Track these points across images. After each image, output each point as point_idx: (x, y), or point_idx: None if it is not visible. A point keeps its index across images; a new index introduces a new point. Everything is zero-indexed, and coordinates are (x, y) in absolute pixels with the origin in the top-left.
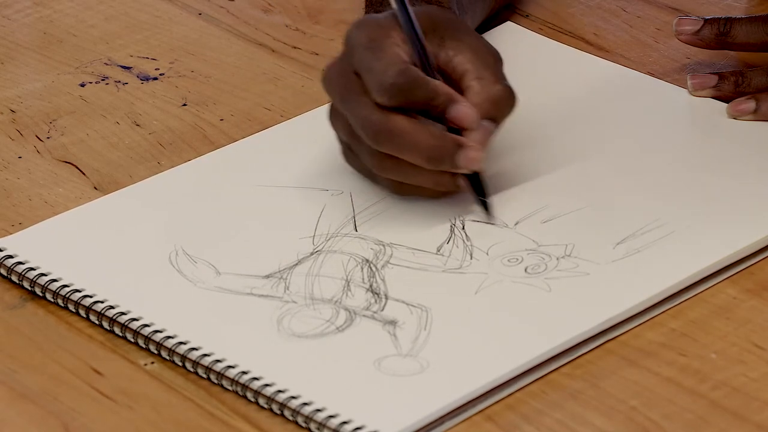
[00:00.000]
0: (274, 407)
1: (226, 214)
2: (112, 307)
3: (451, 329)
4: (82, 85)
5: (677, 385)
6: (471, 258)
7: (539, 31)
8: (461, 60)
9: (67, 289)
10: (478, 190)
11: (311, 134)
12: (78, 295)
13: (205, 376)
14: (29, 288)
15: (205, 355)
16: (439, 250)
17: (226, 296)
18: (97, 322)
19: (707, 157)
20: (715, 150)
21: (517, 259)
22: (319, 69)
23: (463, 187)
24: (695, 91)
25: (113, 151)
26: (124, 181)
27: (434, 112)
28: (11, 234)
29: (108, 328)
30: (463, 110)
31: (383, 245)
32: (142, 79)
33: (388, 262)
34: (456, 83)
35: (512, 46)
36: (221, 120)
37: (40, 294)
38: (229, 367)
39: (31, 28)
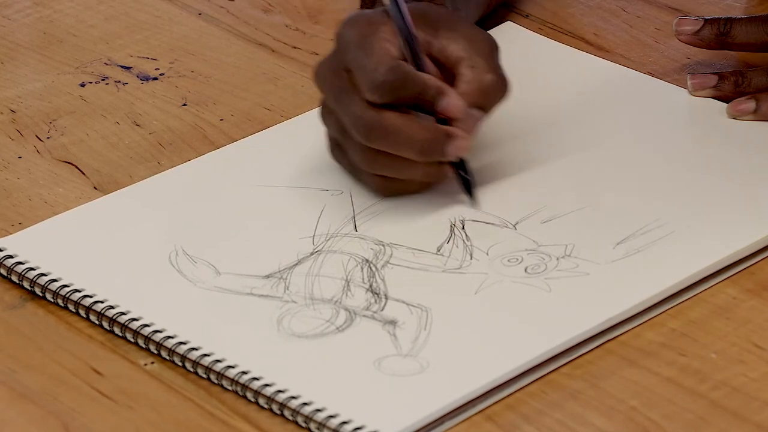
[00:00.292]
0: (274, 407)
1: (226, 214)
2: (112, 307)
3: (451, 329)
4: (82, 85)
5: (677, 385)
6: (471, 258)
7: (539, 31)
8: (455, 48)
9: (67, 289)
10: (464, 176)
11: (311, 134)
12: (78, 295)
13: (205, 376)
14: (29, 288)
15: (205, 355)
16: (439, 250)
17: (226, 296)
18: (97, 322)
19: (707, 157)
20: (715, 150)
21: (517, 259)
22: None
23: (450, 176)
24: (695, 91)
25: (113, 151)
26: (124, 181)
27: (425, 106)
28: (11, 234)
29: (108, 328)
30: (452, 102)
31: (383, 245)
32: (142, 79)
33: (388, 262)
34: (450, 72)
35: (512, 45)
36: (221, 120)
37: (40, 294)
38: (229, 367)
39: (31, 28)
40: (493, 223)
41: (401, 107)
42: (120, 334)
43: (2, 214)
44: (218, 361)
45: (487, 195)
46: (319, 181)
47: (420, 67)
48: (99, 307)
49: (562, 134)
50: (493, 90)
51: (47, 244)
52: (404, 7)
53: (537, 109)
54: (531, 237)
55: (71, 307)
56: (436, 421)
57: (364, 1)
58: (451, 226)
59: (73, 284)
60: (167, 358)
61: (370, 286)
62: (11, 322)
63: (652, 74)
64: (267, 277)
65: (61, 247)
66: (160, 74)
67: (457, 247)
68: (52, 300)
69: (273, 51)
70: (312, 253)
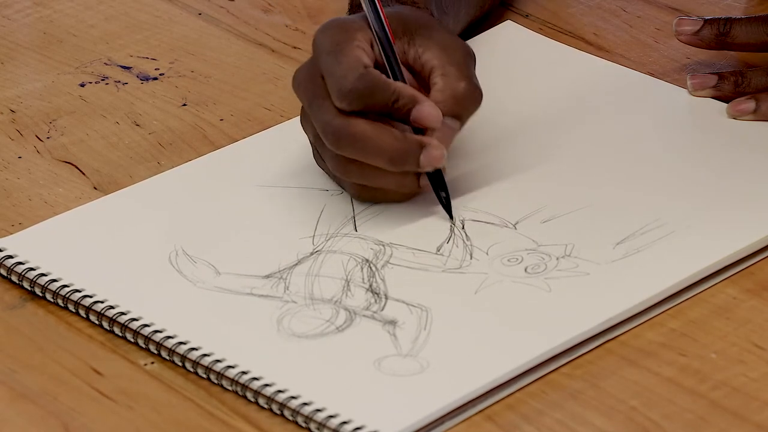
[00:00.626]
0: (274, 407)
1: (226, 214)
2: (112, 307)
3: (451, 329)
4: (82, 85)
5: (677, 385)
6: (471, 258)
7: (539, 31)
8: (429, 56)
9: (67, 289)
10: (440, 187)
11: None
12: (78, 295)
13: (205, 376)
14: (29, 288)
15: (205, 355)
16: (439, 250)
17: (226, 296)
18: (97, 322)
19: (707, 157)
20: (715, 150)
21: (517, 259)
22: None
23: (426, 188)
24: (695, 91)
25: (113, 151)
26: (124, 181)
27: (398, 114)
28: (11, 234)
29: (108, 328)
30: (426, 110)
31: (383, 245)
32: (142, 79)
33: (388, 262)
34: (425, 80)
35: (512, 45)
36: (221, 120)
37: (40, 294)
38: (229, 367)
39: (31, 28)
40: (493, 223)
41: (372, 115)
42: (120, 334)
43: (2, 214)
44: (218, 361)
45: (487, 195)
46: (319, 181)
47: (395, 75)
48: (99, 307)
49: (561, 134)
50: (466, 99)
51: (47, 245)
52: (382, 12)
53: (537, 108)
54: (531, 237)
55: (71, 307)
56: (436, 421)
57: (352, 4)
58: (450, 225)
59: (73, 284)
60: (167, 358)
61: (370, 286)
62: (11, 322)
63: (652, 74)
64: (267, 277)
65: (61, 248)
66: (160, 74)
67: (457, 246)
68: (52, 300)
69: (273, 51)
70: (312, 253)
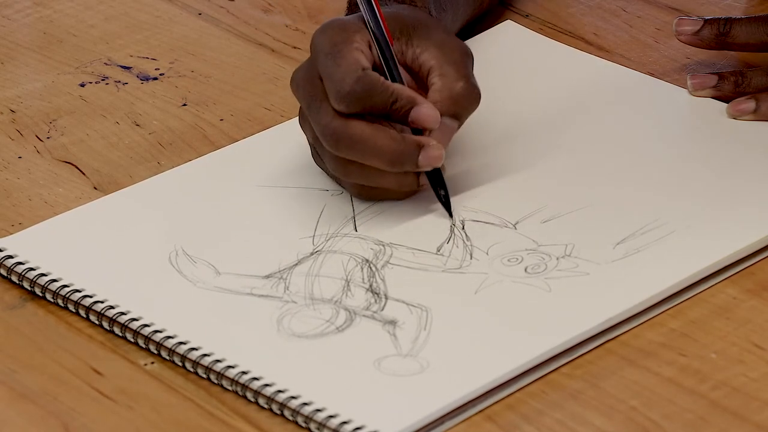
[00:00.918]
0: (274, 407)
1: (226, 214)
2: (112, 307)
3: (451, 329)
4: (82, 85)
5: (677, 385)
6: (471, 258)
7: (539, 31)
8: (427, 57)
9: (66, 289)
10: (439, 186)
11: None
12: (78, 295)
13: (205, 376)
14: (29, 288)
15: (205, 355)
16: (439, 250)
17: (226, 296)
18: (97, 322)
19: (707, 157)
20: (715, 150)
21: (517, 259)
22: None
23: (425, 186)
24: (695, 91)
25: (113, 151)
26: (124, 181)
27: (396, 116)
28: (11, 234)
29: (108, 328)
30: (424, 112)
31: (383, 245)
32: (142, 79)
33: (388, 262)
34: (423, 80)
35: (512, 45)
36: (221, 120)
37: (40, 294)
38: (229, 367)
39: (31, 28)
40: (493, 223)
41: (371, 117)
42: (120, 334)
43: (2, 214)
44: (218, 361)
45: (487, 195)
46: (319, 181)
47: (393, 76)
48: (99, 307)
49: (561, 134)
50: (464, 98)
51: (47, 245)
52: (380, 13)
53: (537, 108)
54: (531, 237)
55: (71, 307)
56: (436, 421)
57: (351, 4)
58: (451, 226)
59: (73, 284)
60: (167, 358)
61: (370, 286)
62: (11, 322)
63: (652, 74)
64: (267, 277)
65: (61, 248)
66: (160, 74)
67: (457, 247)
68: (52, 300)
69: (273, 51)
70: (312, 253)
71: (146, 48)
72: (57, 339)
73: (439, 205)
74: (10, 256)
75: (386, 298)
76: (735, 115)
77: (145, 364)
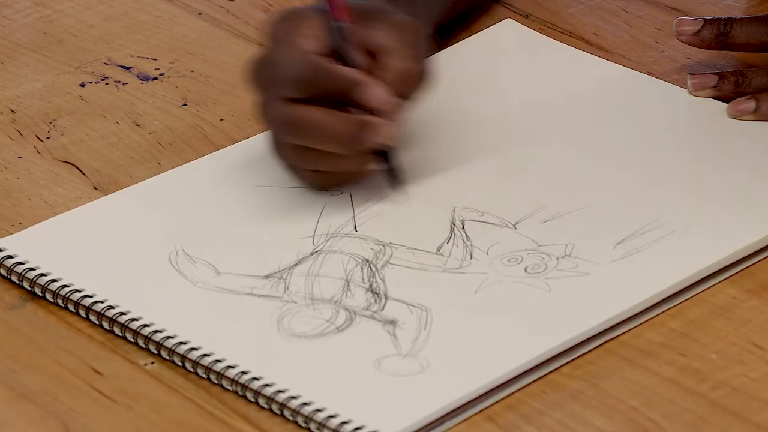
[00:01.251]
0: (274, 407)
1: (226, 214)
2: (112, 307)
3: (451, 329)
4: (82, 85)
5: (677, 385)
6: (471, 258)
7: (539, 31)
8: (382, 37)
9: (66, 289)
10: (391, 165)
11: None
12: (78, 295)
13: (205, 376)
14: (29, 288)
15: (205, 355)
16: (439, 250)
17: (226, 296)
18: (97, 322)
19: (707, 157)
20: (715, 150)
21: (517, 259)
22: None
23: (379, 165)
24: (695, 91)
25: (113, 151)
26: (124, 181)
27: (348, 98)
28: (11, 234)
29: (108, 328)
30: (374, 92)
31: (383, 245)
32: (142, 79)
33: (387, 262)
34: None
35: (512, 44)
36: (221, 120)
37: (40, 294)
38: (229, 367)
39: (31, 28)
40: (493, 223)
41: (323, 101)
42: (120, 334)
43: (2, 214)
44: (218, 361)
45: (486, 195)
46: None
47: (347, 60)
48: (99, 307)
49: (561, 134)
50: (413, 78)
51: (47, 245)
52: (344, 7)
53: (536, 108)
54: (531, 237)
55: (71, 307)
56: (436, 421)
57: None
58: (451, 225)
59: (73, 284)
60: (167, 358)
61: (370, 286)
62: (11, 322)
63: (652, 74)
64: (267, 277)
65: (61, 248)
66: (160, 74)
67: (457, 246)
68: (52, 300)
69: None
70: (312, 253)
71: (146, 48)
72: (57, 339)
73: (439, 206)
74: (10, 256)
75: (386, 298)
76: (735, 115)
77: (145, 364)
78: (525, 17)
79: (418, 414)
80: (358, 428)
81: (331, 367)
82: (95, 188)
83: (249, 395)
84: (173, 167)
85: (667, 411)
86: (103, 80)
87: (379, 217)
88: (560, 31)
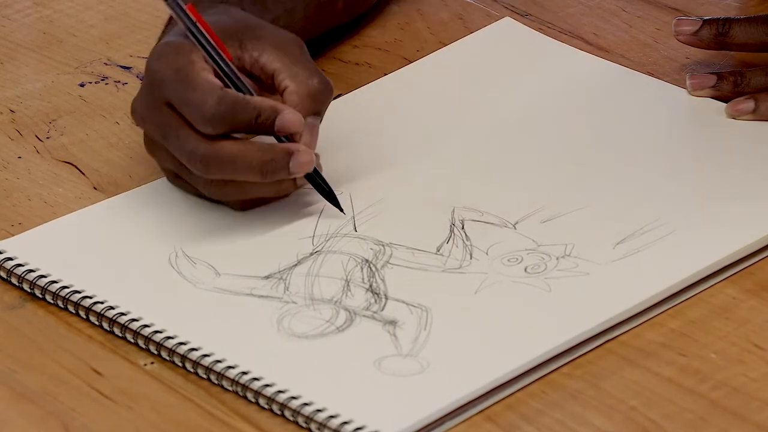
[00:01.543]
0: (275, 407)
1: (225, 214)
2: (112, 308)
3: (451, 329)
4: (82, 85)
5: (677, 385)
6: (471, 258)
7: (539, 31)
8: (267, 59)
9: (66, 290)
10: (320, 186)
11: None
12: (78, 296)
13: (205, 376)
14: (29, 290)
15: (206, 355)
16: (438, 250)
17: (226, 297)
18: (97, 323)
19: (707, 156)
20: (715, 150)
21: (517, 259)
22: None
23: (303, 184)
24: (694, 90)
25: (113, 151)
26: (124, 181)
27: (262, 129)
28: (11, 234)
29: (108, 329)
30: (288, 118)
31: (383, 245)
32: (141, 79)
33: (387, 262)
34: (267, 83)
35: (511, 43)
36: None
37: (40, 296)
38: (230, 367)
39: (31, 28)
40: (493, 223)
41: (235, 134)
42: (120, 335)
43: (2, 214)
44: (218, 361)
45: (486, 195)
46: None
47: (239, 88)
48: (99, 308)
49: (561, 133)
50: (321, 93)
51: (47, 247)
52: (205, 26)
53: (535, 108)
54: (531, 237)
55: (71, 308)
56: (436, 421)
57: (168, 22)
58: (450, 226)
59: (73, 285)
60: (167, 358)
61: (370, 286)
62: (11, 323)
63: (652, 74)
64: (267, 277)
65: (62, 250)
66: None
67: (456, 246)
68: (51, 301)
69: None
70: (312, 254)
71: (146, 48)
72: (57, 339)
73: (438, 206)
74: (10, 258)
75: (386, 298)
76: (734, 115)
77: (145, 365)
78: (524, 17)
79: (419, 414)
80: (358, 428)
81: (331, 367)
82: (95, 188)
83: (249, 395)
84: None
85: (667, 411)
86: (103, 80)
87: (379, 217)
88: (560, 31)
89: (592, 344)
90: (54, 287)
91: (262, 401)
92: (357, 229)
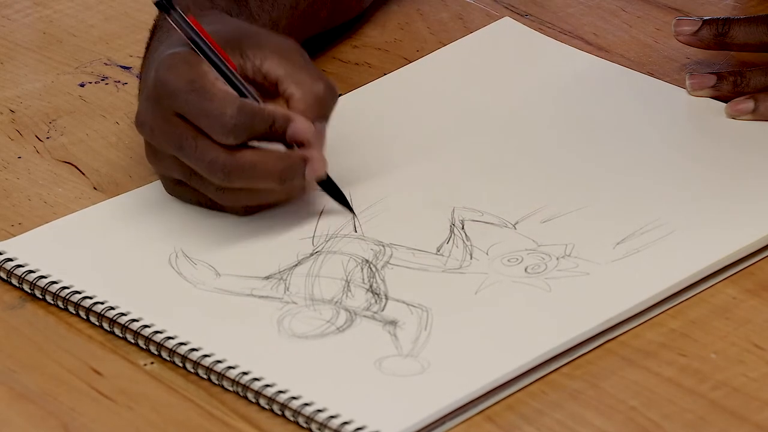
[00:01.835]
0: (275, 408)
1: (225, 215)
2: (112, 308)
3: (452, 329)
4: (82, 85)
5: (677, 385)
6: (471, 258)
7: (539, 31)
8: (270, 66)
9: (66, 291)
10: (332, 190)
11: None
12: (78, 296)
13: (205, 376)
14: (29, 291)
15: (206, 355)
16: (439, 250)
17: (227, 297)
18: (97, 323)
19: (706, 156)
20: (715, 150)
21: (517, 259)
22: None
23: (312, 188)
24: (694, 90)
25: (113, 151)
26: (124, 181)
27: (275, 136)
28: (11, 234)
29: (108, 329)
30: (300, 126)
31: (383, 245)
32: (139, 78)
33: (387, 262)
34: (270, 89)
35: (511, 42)
36: None
37: (40, 297)
38: (230, 367)
39: (31, 28)
40: (492, 223)
41: (252, 142)
42: (120, 336)
43: (2, 215)
44: (219, 361)
45: (486, 195)
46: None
47: (247, 97)
48: (99, 308)
49: (561, 134)
50: (328, 98)
51: (47, 247)
52: (207, 37)
53: (535, 108)
54: (531, 237)
55: (71, 308)
56: (436, 421)
57: (154, 30)
58: (450, 226)
59: (73, 286)
60: (168, 359)
61: (371, 286)
62: (11, 323)
63: (651, 74)
64: (267, 278)
65: (62, 251)
66: None
67: (456, 247)
68: (52, 302)
69: None
70: (312, 254)
71: None
72: (57, 339)
73: (438, 206)
74: (10, 259)
75: (386, 298)
76: (734, 115)
77: (145, 365)
78: (524, 17)
79: (419, 414)
80: (359, 429)
81: (331, 367)
82: (95, 188)
83: (250, 396)
84: None
85: (667, 411)
86: (103, 80)
87: (379, 218)
88: (560, 31)
89: (592, 344)
90: (54, 288)
91: (262, 401)
92: (357, 230)
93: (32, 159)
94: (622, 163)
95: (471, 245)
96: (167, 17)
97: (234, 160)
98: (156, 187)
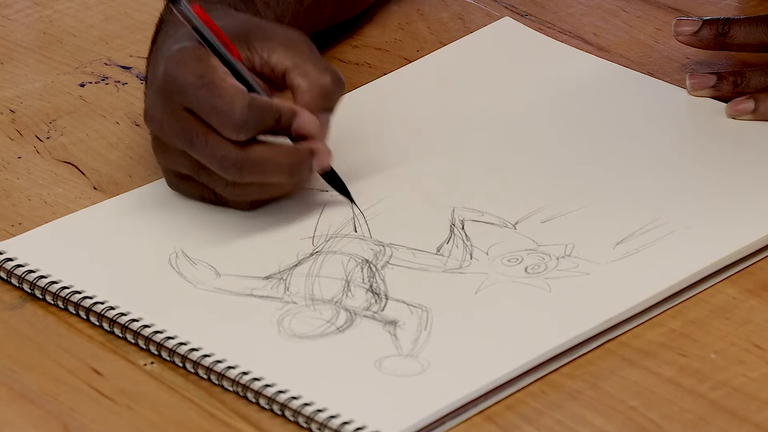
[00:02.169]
0: (275, 408)
1: (225, 215)
2: (112, 308)
3: (452, 329)
4: (82, 85)
5: (677, 385)
6: (471, 258)
7: (539, 31)
8: (278, 58)
9: (66, 291)
10: (335, 181)
11: None
12: (78, 296)
13: (205, 376)
14: (29, 291)
15: (206, 355)
16: (439, 250)
17: (227, 297)
18: (97, 323)
19: (706, 157)
20: (715, 150)
21: (517, 259)
22: None
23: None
24: (694, 90)
25: (113, 151)
26: (124, 181)
27: (281, 130)
28: (11, 234)
29: (108, 329)
30: (305, 120)
31: (383, 245)
32: (141, 79)
33: (388, 262)
34: (278, 81)
35: (510, 42)
36: None
37: (40, 296)
38: (230, 367)
39: (31, 28)
40: (493, 223)
41: (260, 136)
42: (120, 335)
43: (2, 215)
44: (219, 361)
45: (486, 195)
46: (319, 181)
47: (254, 91)
48: (99, 308)
49: (561, 134)
50: (334, 89)
51: (47, 247)
52: (218, 30)
53: (535, 107)
54: (531, 237)
55: (71, 308)
56: (436, 421)
57: (160, 24)
58: (451, 226)
59: (73, 286)
60: (168, 359)
61: (371, 286)
62: (11, 323)
63: (651, 74)
64: (267, 278)
65: (62, 251)
66: None
67: (457, 247)
68: (52, 302)
69: None
70: (312, 254)
71: (146, 48)
72: (57, 339)
73: (439, 206)
74: (10, 259)
75: (386, 298)
76: (734, 115)
77: (145, 365)
78: (524, 17)
79: (419, 414)
80: (359, 429)
81: (331, 367)
82: (95, 188)
83: (250, 396)
84: None
85: (666, 411)
86: (103, 80)
87: (379, 218)
88: (560, 31)
89: (592, 344)
90: (54, 287)
91: (262, 401)
92: (357, 230)
93: (32, 159)
94: (622, 163)
95: (471, 245)
96: (174, 8)
97: (246, 156)
98: (156, 187)
